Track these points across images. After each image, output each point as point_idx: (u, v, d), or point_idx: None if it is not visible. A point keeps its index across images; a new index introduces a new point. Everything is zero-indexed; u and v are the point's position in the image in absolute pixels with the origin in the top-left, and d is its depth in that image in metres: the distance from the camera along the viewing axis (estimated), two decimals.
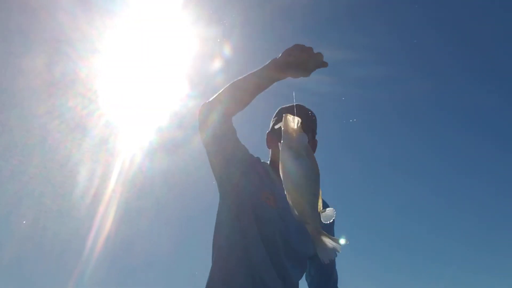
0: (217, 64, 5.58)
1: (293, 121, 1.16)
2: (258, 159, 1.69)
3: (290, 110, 1.60)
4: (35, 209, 6.35)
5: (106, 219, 5.67)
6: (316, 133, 1.71)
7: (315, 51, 1.46)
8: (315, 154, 1.59)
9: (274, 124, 1.70)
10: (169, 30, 5.54)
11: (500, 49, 7.24)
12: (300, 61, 1.44)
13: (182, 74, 5.79)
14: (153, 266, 7.20)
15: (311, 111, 1.70)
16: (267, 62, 1.48)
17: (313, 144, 1.68)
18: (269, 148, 1.72)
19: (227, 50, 5.42)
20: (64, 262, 6.45)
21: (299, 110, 1.56)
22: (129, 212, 6.41)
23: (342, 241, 1.47)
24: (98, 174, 5.86)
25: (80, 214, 6.09)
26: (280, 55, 1.46)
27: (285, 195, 1.36)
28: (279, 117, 1.66)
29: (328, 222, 1.54)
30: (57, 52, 5.25)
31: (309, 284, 1.76)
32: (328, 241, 1.25)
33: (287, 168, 1.17)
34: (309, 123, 1.63)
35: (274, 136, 1.67)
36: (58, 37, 5.15)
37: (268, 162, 1.72)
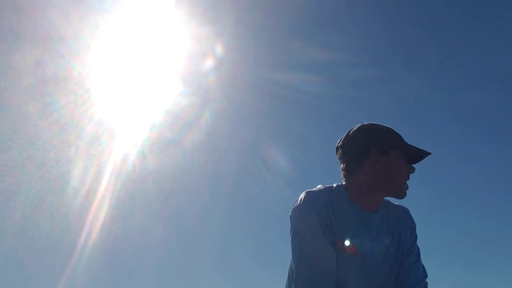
0: (210, 62, 5.60)
1: None
2: (322, 196, 1.39)
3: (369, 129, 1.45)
4: (27, 207, 6.32)
5: (98, 217, 5.66)
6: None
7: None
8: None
9: (389, 139, 1.45)
10: (162, 28, 5.54)
11: (495, 49, 7.32)
12: None
13: (175, 72, 5.80)
14: (147, 264, 7.20)
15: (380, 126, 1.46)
16: None
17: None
18: (376, 173, 1.44)
19: (219, 49, 5.44)
20: (56, 259, 6.43)
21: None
22: (122, 211, 6.40)
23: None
24: (91, 172, 5.84)
25: (72, 212, 6.07)
26: None
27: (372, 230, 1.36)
28: (389, 134, 1.47)
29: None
30: (49, 49, 5.22)
31: None
32: None
33: None
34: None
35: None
36: (50, 34, 5.12)
37: (341, 186, 1.46)
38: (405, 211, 1.53)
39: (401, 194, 1.42)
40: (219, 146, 6.91)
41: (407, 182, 1.43)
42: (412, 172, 1.44)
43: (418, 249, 1.51)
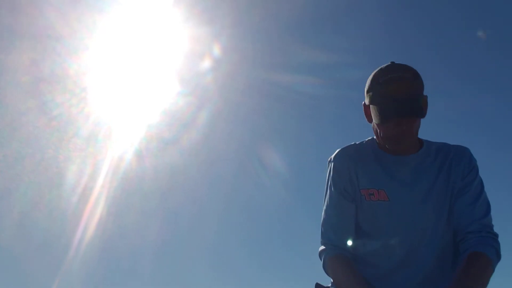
0: (207, 62, 5.59)
1: None
2: (349, 151, 1.39)
3: (383, 73, 1.27)
4: (24, 205, 6.35)
5: (95, 215, 5.69)
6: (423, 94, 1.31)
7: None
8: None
9: (368, 92, 1.32)
10: (160, 28, 5.53)
11: (495, 50, 7.30)
12: None
13: (172, 72, 5.80)
14: (143, 262, 7.24)
15: (410, 70, 1.30)
16: None
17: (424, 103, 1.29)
18: (370, 122, 1.36)
19: (217, 49, 5.43)
20: (52, 256, 6.46)
21: (393, 72, 1.27)
22: (119, 208, 6.42)
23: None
24: (88, 170, 5.86)
25: (69, 209, 6.10)
26: None
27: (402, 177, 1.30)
28: (371, 85, 1.32)
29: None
30: (46, 48, 5.23)
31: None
32: None
33: None
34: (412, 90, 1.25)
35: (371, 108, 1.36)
36: (47, 33, 5.12)
37: (374, 139, 1.41)
38: (461, 150, 1.38)
39: (390, 150, 1.33)
40: (216, 146, 6.92)
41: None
42: (389, 130, 1.26)
43: (476, 188, 1.34)
